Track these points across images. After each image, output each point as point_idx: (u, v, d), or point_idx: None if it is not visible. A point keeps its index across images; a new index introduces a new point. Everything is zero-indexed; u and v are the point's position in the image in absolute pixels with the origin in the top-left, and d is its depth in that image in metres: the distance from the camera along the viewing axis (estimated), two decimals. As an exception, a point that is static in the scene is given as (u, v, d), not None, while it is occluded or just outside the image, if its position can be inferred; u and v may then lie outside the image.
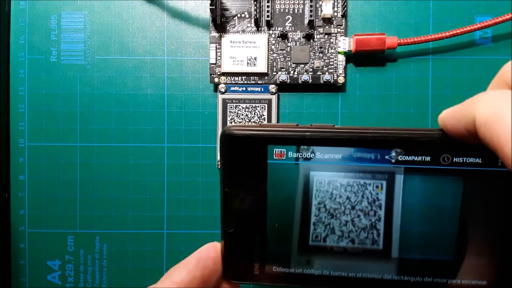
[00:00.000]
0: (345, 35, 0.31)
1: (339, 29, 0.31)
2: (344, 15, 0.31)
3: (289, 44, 0.31)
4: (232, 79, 0.31)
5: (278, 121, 0.31)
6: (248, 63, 0.31)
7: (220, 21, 0.31)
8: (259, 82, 0.31)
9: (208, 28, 0.32)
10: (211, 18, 0.31)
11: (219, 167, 0.31)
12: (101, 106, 0.32)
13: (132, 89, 0.32)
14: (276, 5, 0.31)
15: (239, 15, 0.31)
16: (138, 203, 0.32)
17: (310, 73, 0.31)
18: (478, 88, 0.14)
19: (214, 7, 0.29)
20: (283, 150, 0.18)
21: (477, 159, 0.17)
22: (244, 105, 0.31)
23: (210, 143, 0.32)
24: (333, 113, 0.32)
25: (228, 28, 0.31)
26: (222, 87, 0.31)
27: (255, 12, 0.31)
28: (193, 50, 0.32)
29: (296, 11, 0.31)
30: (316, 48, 0.31)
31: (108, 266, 0.32)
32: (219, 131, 0.31)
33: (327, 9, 0.30)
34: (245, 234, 0.19)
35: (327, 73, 0.31)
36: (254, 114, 0.31)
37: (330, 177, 0.18)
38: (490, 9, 0.31)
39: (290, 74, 0.31)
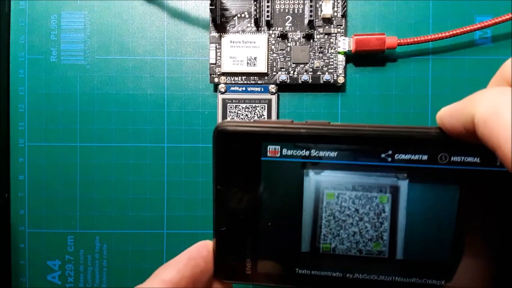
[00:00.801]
0: (345, 35, 0.31)
1: (339, 29, 0.31)
2: (344, 15, 0.31)
3: (289, 44, 0.31)
4: (232, 79, 0.31)
5: None
6: (248, 63, 0.31)
7: (220, 21, 0.31)
8: (259, 82, 0.31)
9: (208, 28, 0.32)
10: (211, 18, 0.31)
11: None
12: (101, 106, 0.32)
13: (132, 89, 0.32)
14: (276, 5, 0.31)
15: (239, 15, 0.31)
16: (138, 203, 0.32)
17: (310, 73, 0.31)
18: (478, 88, 0.14)
19: (214, 7, 0.29)
20: (277, 147, 0.18)
21: (475, 158, 0.17)
22: (244, 105, 0.31)
23: (210, 143, 0.32)
24: (333, 113, 0.32)
25: (228, 28, 0.31)
26: (222, 87, 0.31)
27: (255, 12, 0.31)
28: (193, 50, 0.32)
29: (296, 11, 0.31)
30: (316, 48, 0.31)
31: (108, 266, 0.32)
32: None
33: (327, 9, 0.30)
34: (238, 232, 0.18)
35: (327, 73, 0.31)
36: (254, 114, 0.31)
37: (324, 175, 0.18)
38: (490, 9, 0.31)
39: (290, 74, 0.31)
